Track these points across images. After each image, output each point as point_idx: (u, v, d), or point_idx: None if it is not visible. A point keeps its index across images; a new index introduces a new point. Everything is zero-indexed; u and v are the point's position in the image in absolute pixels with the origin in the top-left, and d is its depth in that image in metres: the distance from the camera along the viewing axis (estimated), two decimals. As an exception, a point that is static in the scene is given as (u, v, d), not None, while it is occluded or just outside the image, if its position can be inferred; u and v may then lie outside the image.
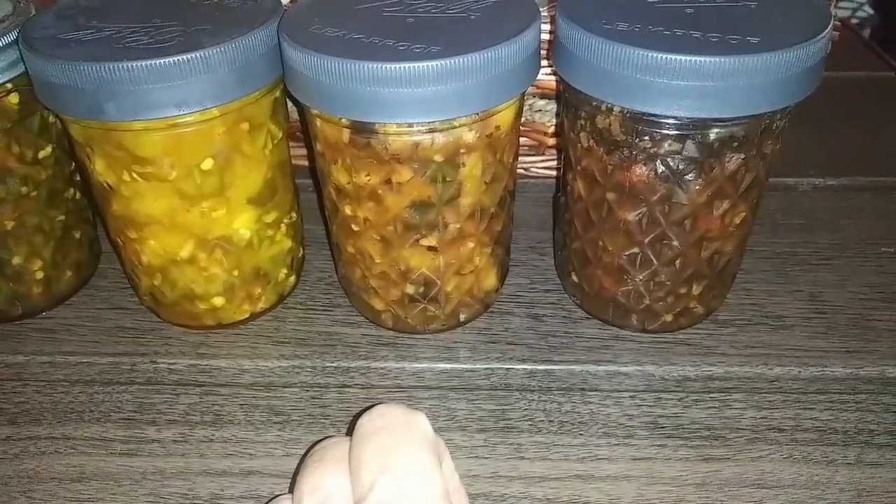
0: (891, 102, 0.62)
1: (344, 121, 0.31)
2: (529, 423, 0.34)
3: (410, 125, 0.30)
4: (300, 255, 0.42)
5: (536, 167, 0.51)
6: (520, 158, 0.49)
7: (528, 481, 0.32)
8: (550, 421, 0.34)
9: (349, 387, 0.36)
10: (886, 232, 0.46)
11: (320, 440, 0.24)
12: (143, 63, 0.29)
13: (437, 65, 0.28)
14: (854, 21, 1.58)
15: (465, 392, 0.36)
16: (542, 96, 0.46)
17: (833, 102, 0.59)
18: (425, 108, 0.29)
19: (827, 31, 0.30)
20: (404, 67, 0.28)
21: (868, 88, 0.64)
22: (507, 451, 0.33)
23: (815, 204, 0.49)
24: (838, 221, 0.47)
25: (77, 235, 0.41)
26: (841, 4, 1.60)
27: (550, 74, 0.43)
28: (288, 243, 0.39)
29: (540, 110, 0.47)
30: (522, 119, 0.47)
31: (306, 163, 0.48)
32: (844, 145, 0.55)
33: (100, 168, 0.33)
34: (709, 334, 0.39)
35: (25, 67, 0.32)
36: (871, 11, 1.62)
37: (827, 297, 0.41)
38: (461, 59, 0.28)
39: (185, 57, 0.29)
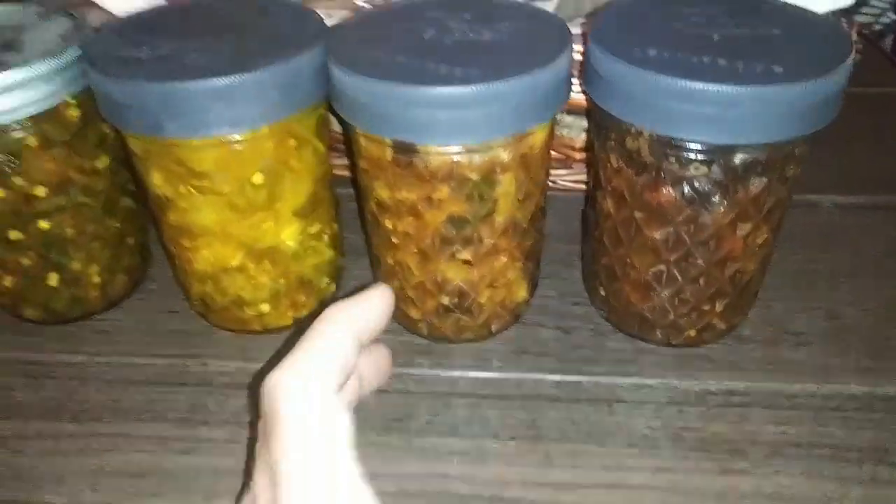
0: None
1: (387, 140, 0.33)
2: (558, 431, 0.36)
3: (449, 146, 0.32)
4: (340, 264, 0.44)
5: (563, 180, 0.53)
6: (549, 173, 0.51)
7: (556, 488, 0.33)
8: (578, 430, 0.36)
9: (386, 391, 0.38)
10: (905, 251, 0.47)
11: None
12: (202, 84, 0.31)
13: (476, 90, 0.30)
14: (877, 27, 1.58)
15: (497, 400, 0.38)
16: (570, 112, 0.48)
17: (853, 119, 0.59)
18: (464, 130, 0.31)
19: (849, 59, 0.31)
20: (446, 92, 0.30)
21: (888, 104, 0.64)
22: (537, 459, 0.35)
23: (836, 221, 0.50)
24: (858, 239, 0.48)
25: (131, 242, 0.43)
26: (864, 10, 1.60)
27: (579, 92, 0.44)
28: (330, 253, 0.41)
29: (568, 126, 0.49)
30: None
31: (346, 173, 0.50)
32: (865, 162, 0.56)
33: (157, 181, 0.35)
34: (731, 349, 0.40)
35: (85, 83, 0.35)
36: (894, 17, 1.61)
37: (846, 315, 0.42)
38: (499, 85, 0.30)
39: (239, 78, 0.31)
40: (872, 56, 0.74)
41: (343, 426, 0.24)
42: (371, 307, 0.27)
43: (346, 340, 0.25)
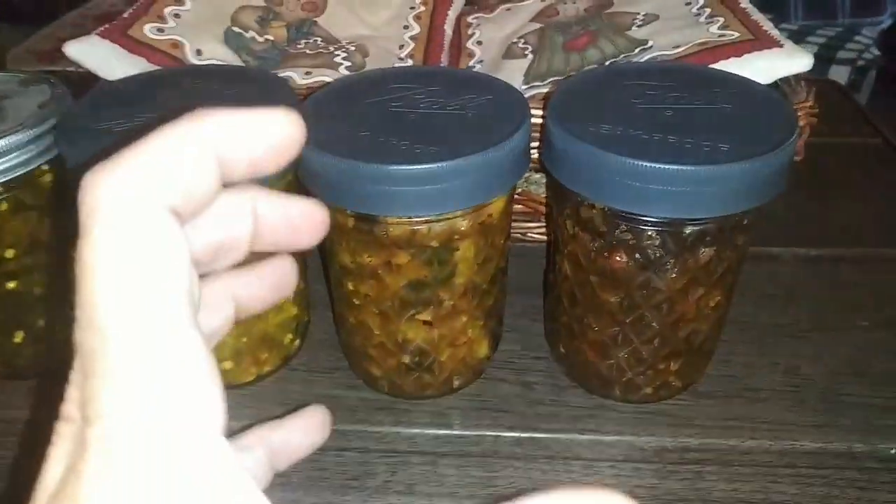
0: (878, 171, 0.64)
1: (349, 211, 0.34)
2: (515, 490, 0.37)
3: (409, 217, 0.33)
4: (306, 319, 0.44)
5: (533, 233, 0.54)
6: (516, 224, 0.52)
7: (510, 548, 0.34)
8: (534, 489, 0.37)
9: (346, 450, 0.39)
10: (865, 303, 0.48)
11: None
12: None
13: (436, 167, 0.31)
14: (860, 63, 1.61)
15: (456, 458, 0.38)
16: (538, 170, 0.49)
17: (820, 170, 0.61)
18: (425, 203, 0.32)
19: (793, 139, 0.33)
20: (407, 170, 0.31)
21: (857, 157, 0.66)
22: (493, 518, 0.36)
23: (798, 274, 0.51)
24: (819, 293, 0.49)
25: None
26: (847, 46, 1.64)
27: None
28: (294, 310, 0.42)
29: (536, 182, 0.50)
30: (519, 189, 0.49)
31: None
32: (828, 215, 0.57)
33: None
34: (687, 405, 0.41)
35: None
36: (877, 53, 1.65)
37: (803, 371, 0.43)
38: (459, 162, 0.31)
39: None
40: (844, 108, 0.75)
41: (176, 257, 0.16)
42: (261, 122, 0.18)
43: (200, 154, 0.17)
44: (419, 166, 0.31)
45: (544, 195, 0.50)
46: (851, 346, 0.45)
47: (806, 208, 0.57)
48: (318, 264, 0.49)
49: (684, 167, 0.31)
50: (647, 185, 0.31)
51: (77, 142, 0.33)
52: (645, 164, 0.31)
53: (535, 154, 0.45)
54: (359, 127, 0.34)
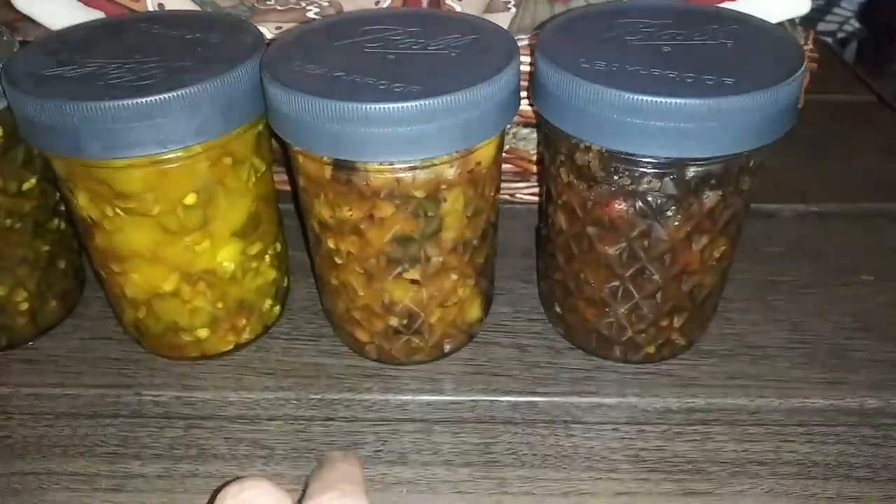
0: (871, 127, 0.63)
1: (326, 158, 0.31)
2: (513, 456, 0.34)
3: (391, 163, 0.31)
4: (285, 285, 0.42)
5: (522, 193, 0.51)
6: (505, 185, 0.50)
7: (510, 516, 0.32)
8: (534, 455, 0.35)
9: (333, 419, 0.36)
10: (867, 259, 0.46)
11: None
12: (125, 102, 0.29)
13: (417, 105, 0.29)
14: (841, 35, 1.60)
15: (450, 425, 0.36)
16: (526, 125, 0.46)
17: (815, 128, 0.59)
18: (406, 147, 0.30)
19: (801, 71, 0.30)
20: (385, 108, 0.28)
21: (849, 113, 0.65)
22: (491, 486, 0.33)
23: (797, 231, 0.49)
24: (820, 249, 0.48)
25: (62, 265, 0.41)
26: (827, 18, 1.62)
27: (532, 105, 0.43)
28: (273, 274, 0.39)
29: (524, 138, 0.47)
30: (507, 147, 0.47)
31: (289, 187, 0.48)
32: (826, 171, 0.56)
33: (83, 202, 0.33)
34: (691, 365, 0.39)
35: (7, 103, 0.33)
36: (857, 25, 1.64)
37: (808, 327, 0.41)
38: (442, 100, 0.29)
39: (167, 95, 0.29)
40: (832, 64, 0.74)
41: None
42: None
43: None
44: (399, 103, 0.28)
45: (533, 152, 0.48)
46: (856, 302, 0.43)
47: (801, 165, 0.56)
48: (295, 226, 0.46)
49: (688, 100, 0.28)
50: (648, 121, 0.29)
51: (23, 87, 0.30)
52: (645, 97, 0.29)
53: (524, 105, 0.43)
54: (331, 68, 0.31)
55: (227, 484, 0.26)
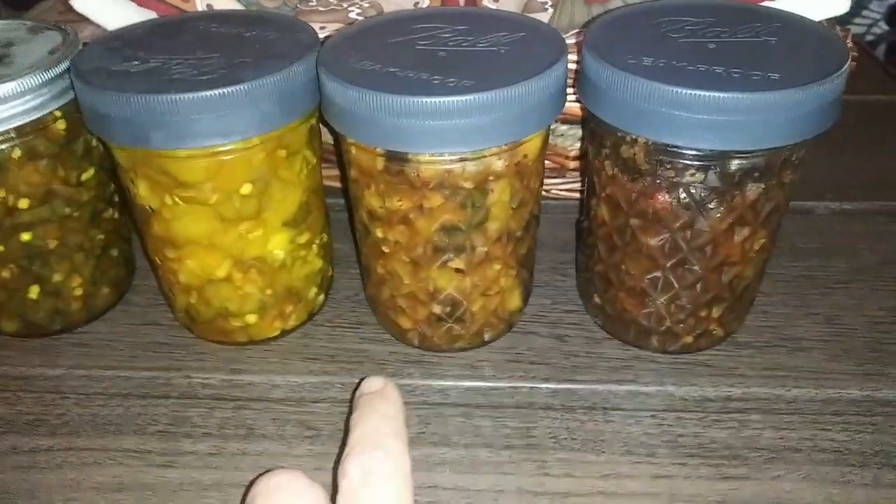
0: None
1: (378, 150, 0.32)
2: (553, 440, 0.35)
3: (442, 155, 0.32)
4: (330, 274, 0.43)
5: (558, 189, 0.52)
6: (542, 180, 0.50)
7: (552, 497, 0.33)
8: (574, 439, 0.35)
9: (378, 403, 0.37)
10: (902, 255, 0.47)
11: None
12: (190, 95, 0.30)
13: (469, 99, 0.30)
14: (869, 38, 1.59)
15: (490, 409, 0.37)
16: (564, 121, 0.47)
17: (849, 126, 0.59)
18: (457, 139, 0.31)
19: (845, 67, 0.31)
20: (438, 102, 0.29)
21: (883, 112, 0.65)
22: (532, 468, 0.34)
23: (833, 227, 0.50)
24: (855, 245, 0.48)
25: (115, 253, 0.42)
26: (856, 21, 1.61)
27: (574, 102, 0.44)
28: (319, 263, 0.40)
29: (562, 135, 0.48)
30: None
31: (336, 183, 0.49)
32: (860, 169, 0.56)
33: (143, 192, 0.35)
34: (728, 356, 0.40)
35: (74, 96, 0.34)
36: (886, 27, 1.62)
37: (844, 321, 0.42)
38: (492, 94, 0.30)
39: (229, 90, 0.31)
40: (866, 64, 0.74)
41: None
42: None
43: None
44: (452, 97, 0.29)
45: (570, 148, 0.49)
46: (892, 297, 0.44)
47: (835, 163, 0.56)
48: (340, 220, 0.47)
49: (734, 94, 0.29)
50: (694, 115, 0.30)
51: (91, 81, 0.32)
52: (691, 91, 0.29)
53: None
54: (384, 64, 0.32)
55: (263, 474, 0.27)
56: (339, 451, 0.35)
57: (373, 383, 0.32)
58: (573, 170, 0.50)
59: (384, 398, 0.31)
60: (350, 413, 0.31)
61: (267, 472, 0.27)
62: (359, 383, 0.32)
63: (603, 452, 0.35)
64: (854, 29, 1.58)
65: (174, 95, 0.30)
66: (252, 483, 0.28)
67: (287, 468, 0.28)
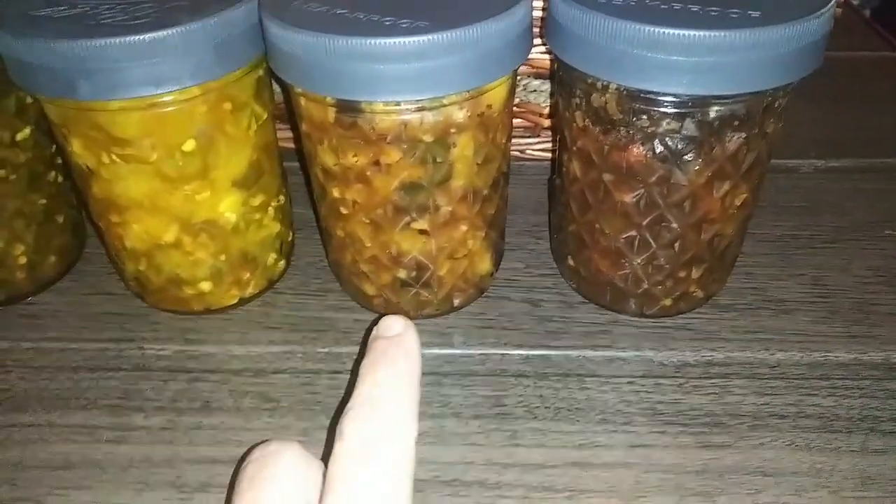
0: (891, 82, 0.61)
1: (329, 99, 0.30)
2: (525, 409, 0.34)
3: (398, 103, 0.29)
4: (290, 239, 0.41)
5: (532, 149, 0.50)
6: (515, 140, 0.48)
7: (523, 468, 0.31)
8: (546, 407, 0.34)
9: (340, 372, 0.35)
10: (889, 214, 0.45)
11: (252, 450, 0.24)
12: (118, 40, 0.28)
13: (424, 40, 0.27)
14: (855, 1, 1.56)
15: (460, 378, 0.35)
16: (537, 76, 0.45)
17: (834, 83, 0.58)
18: (413, 85, 0.28)
19: (830, 5, 0.29)
20: (390, 43, 0.27)
21: (869, 69, 0.63)
22: (503, 438, 0.32)
23: (818, 186, 0.48)
24: (841, 203, 0.46)
25: (60, 219, 0.40)
26: (843, -16, 1.59)
27: (545, 53, 0.41)
28: (276, 227, 0.38)
29: (535, 90, 0.46)
30: (517, 100, 0.46)
31: (293, 145, 0.47)
32: (846, 126, 0.54)
33: (78, 149, 0.32)
34: (709, 319, 0.38)
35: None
36: (872, -8, 1.60)
37: (829, 281, 0.40)
38: (448, 35, 0.27)
39: (161, 34, 0.28)
40: (851, 20, 0.72)
41: None
42: None
43: None
44: (406, 38, 0.27)
45: (544, 105, 0.46)
46: (880, 257, 0.42)
47: (820, 120, 0.54)
48: (300, 183, 0.45)
49: (712, 32, 0.27)
50: (669, 56, 0.27)
51: (13, 28, 0.29)
52: (666, 30, 0.27)
53: (536, 55, 0.41)
54: (332, 5, 0.30)
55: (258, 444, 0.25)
56: (300, 424, 0.33)
57: (392, 324, 0.28)
58: (547, 128, 0.48)
59: (401, 347, 0.26)
60: (359, 357, 0.27)
61: (263, 441, 0.25)
62: (374, 321, 0.29)
63: (577, 421, 0.33)
64: (841, -8, 1.56)
65: (101, 40, 0.27)
66: (247, 453, 0.26)
67: (284, 440, 0.25)
